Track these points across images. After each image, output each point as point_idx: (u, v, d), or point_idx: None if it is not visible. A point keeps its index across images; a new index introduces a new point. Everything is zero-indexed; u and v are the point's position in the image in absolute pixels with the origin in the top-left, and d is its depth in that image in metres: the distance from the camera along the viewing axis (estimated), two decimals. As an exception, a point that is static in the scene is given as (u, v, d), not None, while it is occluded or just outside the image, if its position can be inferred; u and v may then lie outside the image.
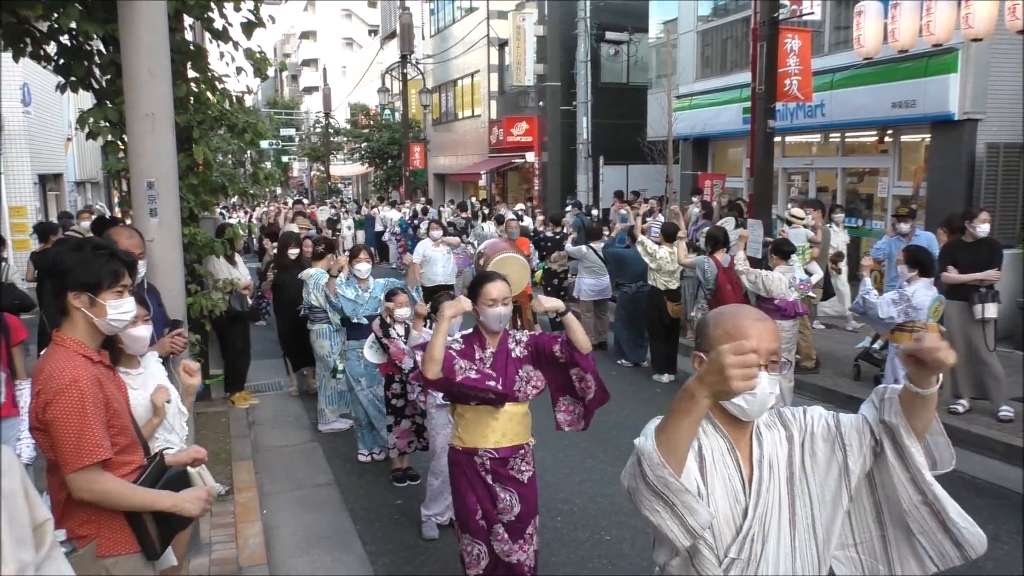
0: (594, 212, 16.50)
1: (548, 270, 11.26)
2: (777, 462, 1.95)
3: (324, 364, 7.44)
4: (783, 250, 7.59)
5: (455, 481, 3.89)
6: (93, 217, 10.41)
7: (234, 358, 8.18)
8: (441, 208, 22.72)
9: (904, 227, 8.61)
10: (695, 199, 14.30)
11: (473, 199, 24.80)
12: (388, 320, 5.68)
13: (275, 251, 9.65)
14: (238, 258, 8.41)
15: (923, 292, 6.15)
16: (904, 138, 11.72)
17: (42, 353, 2.62)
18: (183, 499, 2.62)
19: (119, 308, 2.59)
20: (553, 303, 3.69)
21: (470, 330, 3.93)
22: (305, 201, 35.41)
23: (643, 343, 9.77)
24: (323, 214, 14.96)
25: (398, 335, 5.61)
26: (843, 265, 10.41)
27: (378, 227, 22.14)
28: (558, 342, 3.68)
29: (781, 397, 7.53)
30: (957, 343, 7.22)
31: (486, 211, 17.98)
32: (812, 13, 10.59)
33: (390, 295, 5.79)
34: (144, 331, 3.13)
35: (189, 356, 4.33)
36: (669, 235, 9.32)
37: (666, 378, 9.10)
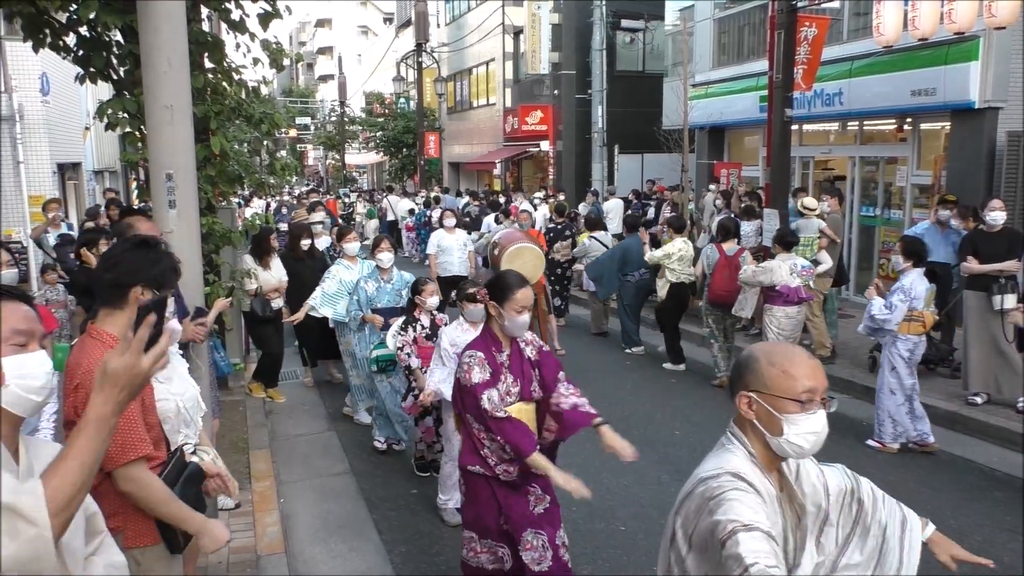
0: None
1: (552, 260, 11.22)
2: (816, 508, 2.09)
3: (351, 358, 7.23)
4: (786, 240, 7.85)
5: (476, 492, 3.69)
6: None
7: (268, 351, 7.99)
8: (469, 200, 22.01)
9: (945, 214, 8.28)
10: (712, 187, 14.19)
11: (487, 188, 24.63)
12: (416, 315, 5.70)
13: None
14: (275, 260, 7.90)
15: (919, 282, 6.20)
16: (923, 126, 11.57)
17: (73, 345, 2.64)
18: (208, 529, 2.60)
19: (169, 308, 2.66)
20: None
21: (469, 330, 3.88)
22: (321, 190, 35.41)
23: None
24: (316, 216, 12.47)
25: (423, 327, 5.63)
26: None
27: (391, 216, 22.11)
28: (557, 386, 3.67)
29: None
30: (975, 334, 7.18)
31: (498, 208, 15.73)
32: (831, 0, 10.47)
33: (417, 286, 5.76)
34: (176, 324, 3.18)
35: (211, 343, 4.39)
36: (678, 228, 9.34)
37: (682, 367, 9.10)
